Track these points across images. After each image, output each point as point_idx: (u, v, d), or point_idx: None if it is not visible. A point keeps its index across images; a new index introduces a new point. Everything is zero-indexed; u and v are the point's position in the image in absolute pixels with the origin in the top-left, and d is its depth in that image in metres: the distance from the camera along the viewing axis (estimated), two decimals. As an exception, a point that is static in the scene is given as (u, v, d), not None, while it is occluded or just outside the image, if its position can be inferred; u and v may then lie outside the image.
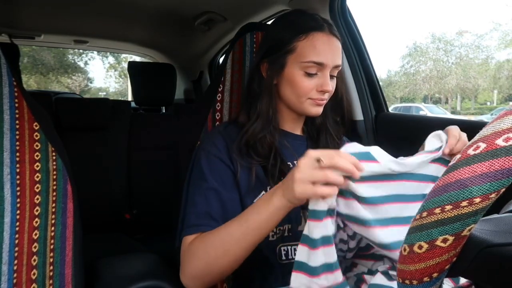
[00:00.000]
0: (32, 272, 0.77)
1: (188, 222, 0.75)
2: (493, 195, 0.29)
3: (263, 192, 0.81)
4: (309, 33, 0.79)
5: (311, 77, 0.80)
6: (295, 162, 0.87)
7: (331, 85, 0.81)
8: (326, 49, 0.79)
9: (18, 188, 0.77)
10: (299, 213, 0.82)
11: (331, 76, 0.82)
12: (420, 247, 0.33)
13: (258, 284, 0.83)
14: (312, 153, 0.59)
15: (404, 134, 1.23)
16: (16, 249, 0.76)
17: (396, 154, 0.69)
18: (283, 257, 0.82)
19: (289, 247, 0.82)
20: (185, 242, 0.74)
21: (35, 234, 0.78)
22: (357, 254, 0.74)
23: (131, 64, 2.17)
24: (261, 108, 0.83)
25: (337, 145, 0.92)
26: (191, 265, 0.71)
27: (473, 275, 0.36)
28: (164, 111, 2.39)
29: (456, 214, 0.31)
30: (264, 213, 0.65)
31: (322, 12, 1.30)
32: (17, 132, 0.79)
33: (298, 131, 0.92)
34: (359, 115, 1.34)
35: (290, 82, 0.81)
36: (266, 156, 0.82)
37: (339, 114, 0.92)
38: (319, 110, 0.84)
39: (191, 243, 0.73)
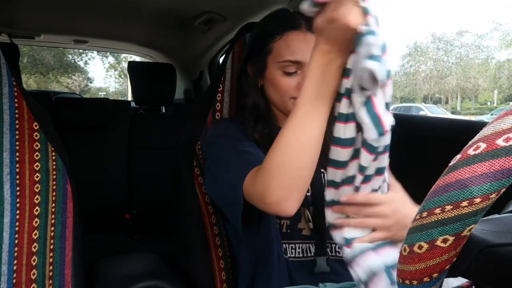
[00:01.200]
0: (32, 272, 0.77)
1: (238, 170, 0.70)
2: (493, 195, 0.29)
3: None
4: (283, 33, 0.80)
5: (291, 76, 0.80)
6: None
7: None
8: (302, 47, 0.78)
9: (17, 188, 0.77)
10: (299, 210, 0.82)
11: None
12: (420, 247, 0.33)
13: (256, 282, 0.83)
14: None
15: (404, 134, 1.23)
16: (16, 249, 0.76)
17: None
18: (281, 256, 0.82)
19: (286, 245, 0.82)
20: (246, 184, 0.68)
21: (35, 234, 0.78)
22: None
23: (131, 64, 2.17)
24: (250, 108, 0.86)
25: None
26: (270, 184, 0.62)
27: (473, 275, 0.36)
28: (164, 111, 2.39)
29: (456, 214, 0.31)
30: (314, 78, 0.58)
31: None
32: (17, 132, 0.79)
33: None
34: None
35: (271, 82, 0.83)
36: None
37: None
38: None
39: (253, 175, 0.67)
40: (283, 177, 0.61)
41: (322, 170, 0.87)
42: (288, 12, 0.85)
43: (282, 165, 0.62)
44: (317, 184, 0.85)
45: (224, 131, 0.84)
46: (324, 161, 0.85)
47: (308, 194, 0.84)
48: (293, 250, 0.83)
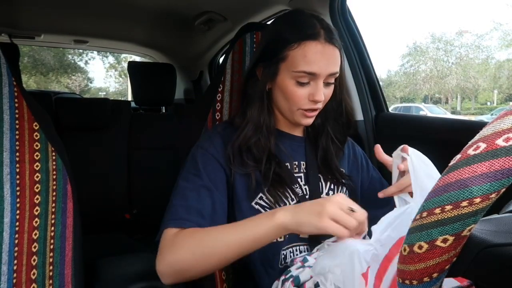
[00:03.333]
0: (32, 272, 0.77)
1: (175, 215, 0.74)
2: (493, 195, 0.29)
3: (261, 194, 0.81)
4: (301, 42, 0.76)
5: (303, 86, 0.78)
6: (295, 163, 0.86)
7: (325, 93, 0.80)
8: (319, 59, 0.76)
9: (18, 188, 0.77)
10: None
11: (328, 83, 0.81)
12: (420, 247, 0.33)
13: (257, 283, 0.83)
14: (347, 200, 0.63)
15: (404, 134, 1.23)
16: (16, 249, 0.76)
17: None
18: (282, 262, 0.82)
19: (286, 251, 0.82)
20: (168, 232, 0.72)
21: (35, 234, 0.78)
22: None
23: (131, 64, 2.17)
24: (252, 113, 0.83)
25: (337, 148, 0.91)
26: (174, 256, 0.69)
27: (473, 275, 0.36)
28: (164, 111, 2.39)
29: (456, 214, 0.31)
30: (263, 226, 0.65)
31: (322, 12, 1.30)
32: (17, 132, 0.79)
33: (297, 132, 0.91)
34: (359, 115, 1.34)
35: (282, 90, 0.81)
36: (261, 160, 0.82)
37: (341, 117, 0.90)
38: (309, 121, 0.83)
39: (177, 234, 0.71)
40: (188, 262, 0.68)
41: (319, 175, 0.87)
42: (307, 17, 0.81)
43: (200, 254, 0.68)
44: (314, 186, 0.86)
45: (204, 151, 0.82)
46: (322, 167, 0.86)
47: (307, 197, 0.84)
48: (292, 254, 0.82)
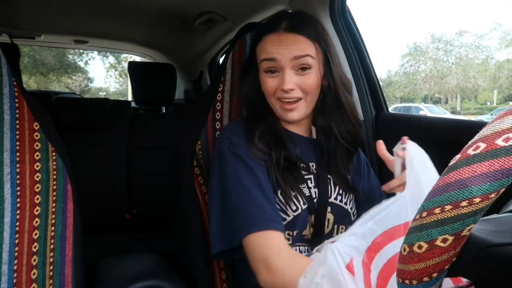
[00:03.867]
0: (32, 272, 0.77)
1: (253, 217, 0.72)
2: (493, 195, 0.29)
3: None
4: (262, 37, 0.83)
5: (273, 76, 0.82)
6: (303, 165, 0.85)
7: (300, 81, 0.79)
8: (275, 45, 0.80)
9: (18, 188, 0.77)
10: (306, 217, 0.82)
11: (302, 69, 0.80)
12: (420, 247, 0.33)
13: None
14: None
15: (404, 134, 1.23)
16: (16, 249, 0.76)
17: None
18: None
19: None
20: (253, 237, 0.71)
21: (35, 234, 0.78)
22: None
23: (131, 64, 2.17)
24: (254, 109, 0.88)
25: (346, 150, 0.89)
26: (291, 275, 0.67)
27: (473, 275, 0.36)
28: (164, 111, 2.39)
29: (456, 214, 0.31)
30: None
31: (322, 12, 1.30)
32: (17, 132, 0.79)
33: (303, 133, 0.90)
34: (359, 115, 1.34)
35: (262, 85, 0.85)
36: (272, 145, 0.83)
37: (347, 115, 0.87)
38: (293, 116, 0.82)
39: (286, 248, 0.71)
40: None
41: (329, 176, 0.87)
42: (277, 14, 0.89)
43: None
44: (323, 189, 0.85)
45: (235, 149, 0.80)
46: (331, 170, 0.86)
47: (314, 199, 0.83)
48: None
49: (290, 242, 0.81)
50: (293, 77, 0.79)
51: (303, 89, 0.81)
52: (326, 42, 0.83)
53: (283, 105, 0.82)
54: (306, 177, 0.85)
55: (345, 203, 0.86)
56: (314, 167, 0.87)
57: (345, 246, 0.62)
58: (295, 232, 0.81)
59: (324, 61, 0.83)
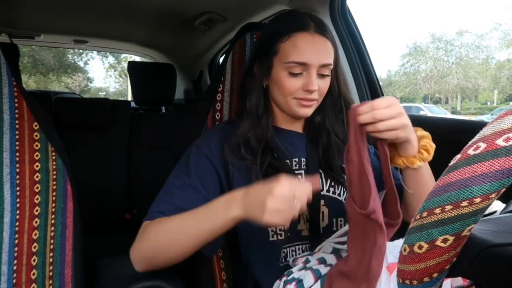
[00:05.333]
0: (32, 272, 0.77)
1: (157, 207, 0.77)
2: (493, 195, 0.29)
3: None
4: (291, 34, 0.79)
5: (296, 77, 0.80)
6: (295, 160, 0.86)
7: (319, 84, 0.81)
8: (309, 49, 0.78)
9: (18, 188, 0.77)
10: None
11: (322, 75, 0.81)
12: (420, 247, 0.33)
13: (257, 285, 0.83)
14: (288, 190, 0.61)
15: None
16: (16, 249, 0.76)
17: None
18: (283, 260, 0.82)
19: (287, 249, 0.82)
20: (146, 223, 0.76)
21: (35, 234, 0.78)
22: None
23: (131, 64, 2.17)
24: (250, 107, 0.84)
25: (338, 146, 0.90)
26: (142, 245, 0.73)
27: (474, 275, 0.36)
28: (164, 111, 2.39)
29: (456, 214, 0.31)
30: (220, 218, 0.67)
31: (322, 12, 1.30)
32: (17, 132, 0.79)
33: (297, 128, 0.91)
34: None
35: (276, 83, 0.82)
36: (258, 152, 0.82)
37: (341, 114, 0.90)
38: (307, 112, 0.83)
39: (148, 224, 0.75)
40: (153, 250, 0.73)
41: (320, 170, 0.87)
42: (298, 13, 0.85)
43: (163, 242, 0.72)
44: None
45: (198, 150, 0.83)
46: (323, 165, 0.86)
47: None
48: (294, 253, 0.82)
49: (283, 237, 0.81)
50: (317, 80, 0.81)
51: (321, 92, 0.83)
52: (336, 48, 0.85)
53: (301, 102, 0.82)
54: (296, 172, 0.85)
55: (339, 194, 0.87)
56: (305, 162, 0.87)
57: (393, 247, 0.61)
58: (285, 227, 0.81)
59: (334, 67, 0.85)
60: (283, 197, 0.61)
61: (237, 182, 0.80)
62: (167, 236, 0.71)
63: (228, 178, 0.81)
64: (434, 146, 0.74)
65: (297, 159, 0.86)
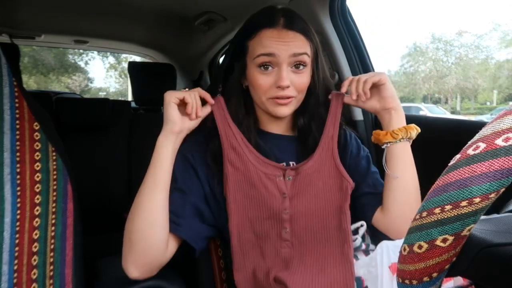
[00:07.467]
0: (33, 272, 0.77)
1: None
2: (492, 195, 0.29)
3: None
4: (259, 30, 0.79)
5: (267, 73, 0.78)
6: (283, 164, 0.84)
7: (294, 80, 0.78)
8: (275, 42, 0.77)
9: (18, 188, 0.77)
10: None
11: (297, 70, 0.79)
12: (420, 247, 0.33)
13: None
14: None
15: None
16: (17, 249, 0.76)
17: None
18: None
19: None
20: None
21: (36, 234, 0.78)
22: None
23: (131, 64, 2.17)
24: (231, 110, 0.83)
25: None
26: (125, 247, 0.81)
27: (473, 275, 0.36)
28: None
29: (456, 214, 0.31)
30: (157, 157, 0.82)
31: (322, 12, 1.30)
32: (18, 132, 0.79)
33: (285, 131, 0.89)
34: (359, 115, 1.34)
35: (251, 82, 0.81)
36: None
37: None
38: (285, 111, 0.81)
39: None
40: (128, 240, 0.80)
41: None
42: (269, 9, 0.83)
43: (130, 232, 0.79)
44: None
45: (183, 157, 0.83)
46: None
47: None
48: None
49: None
50: (290, 74, 0.78)
51: (297, 88, 0.80)
52: (316, 42, 0.83)
53: (276, 100, 0.79)
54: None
55: None
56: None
57: (395, 246, 0.61)
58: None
59: (313, 61, 0.83)
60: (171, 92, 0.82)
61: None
62: (135, 219, 0.78)
63: (219, 180, 0.82)
64: (418, 129, 0.85)
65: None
